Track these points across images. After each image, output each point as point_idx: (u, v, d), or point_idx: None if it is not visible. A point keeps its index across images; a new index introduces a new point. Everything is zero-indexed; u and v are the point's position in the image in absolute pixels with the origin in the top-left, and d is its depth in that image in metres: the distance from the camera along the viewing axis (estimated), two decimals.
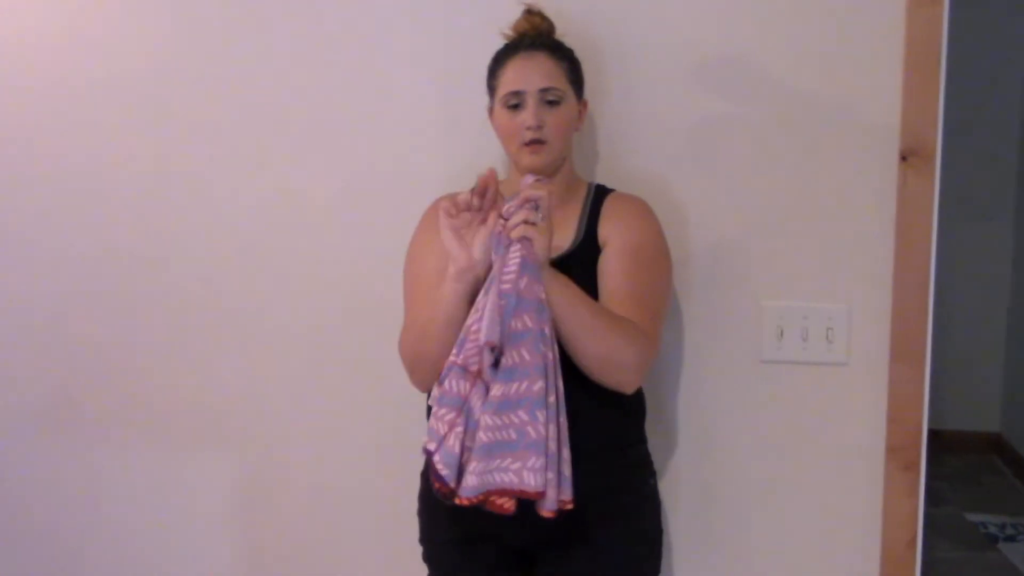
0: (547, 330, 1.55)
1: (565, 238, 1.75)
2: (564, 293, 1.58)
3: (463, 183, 1.90)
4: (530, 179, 1.59)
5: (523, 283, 1.53)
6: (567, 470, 1.54)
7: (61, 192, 2.24)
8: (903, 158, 1.91)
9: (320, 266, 2.14)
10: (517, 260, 1.53)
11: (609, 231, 1.75)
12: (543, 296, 1.54)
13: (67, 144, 2.23)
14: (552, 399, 1.54)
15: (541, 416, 1.52)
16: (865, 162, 1.93)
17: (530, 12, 1.83)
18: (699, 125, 1.97)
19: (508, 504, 1.53)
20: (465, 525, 1.72)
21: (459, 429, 1.53)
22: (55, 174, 2.24)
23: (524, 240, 1.53)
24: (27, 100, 2.23)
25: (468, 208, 1.54)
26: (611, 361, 1.63)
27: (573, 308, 1.58)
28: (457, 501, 1.52)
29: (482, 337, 1.52)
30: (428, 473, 1.78)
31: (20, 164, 2.26)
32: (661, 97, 1.98)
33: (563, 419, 1.55)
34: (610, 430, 1.73)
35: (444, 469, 1.53)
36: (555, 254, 1.67)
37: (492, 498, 1.52)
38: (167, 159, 2.18)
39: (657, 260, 1.76)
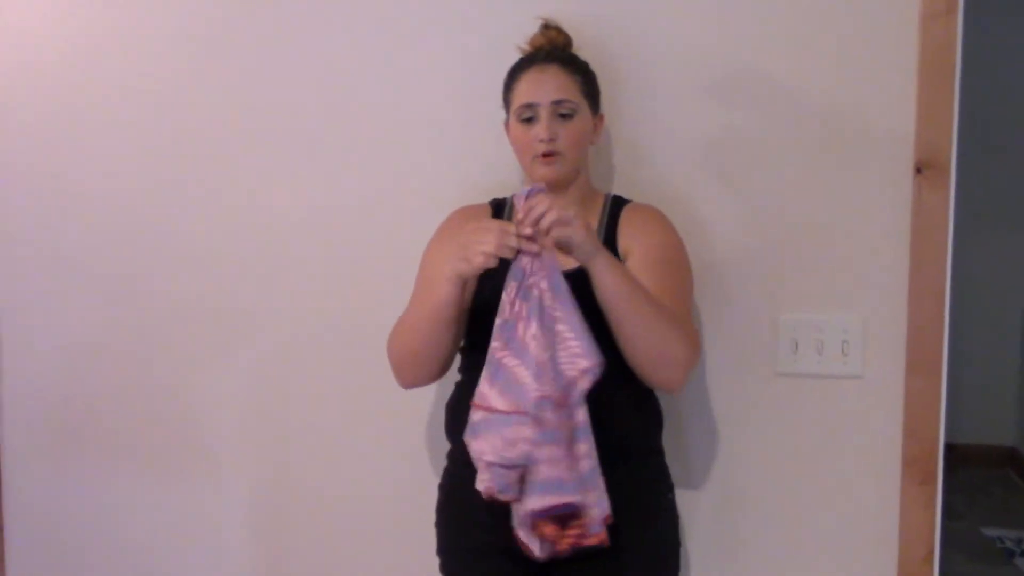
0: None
1: None
2: (623, 284, 1.58)
3: (478, 195, 1.91)
4: (523, 194, 1.57)
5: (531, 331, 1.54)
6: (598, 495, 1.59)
7: (75, 205, 2.27)
8: (918, 170, 1.90)
9: (335, 277, 2.15)
10: (564, 288, 1.55)
11: (629, 241, 1.75)
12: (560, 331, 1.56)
13: (80, 155, 2.26)
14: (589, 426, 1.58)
15: (593, 441, 1.58)
16: (880, 174, 1.93)
17: (547, 27, 1.85)
18: (714, 138, 1.97)
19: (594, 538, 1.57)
20: (483, 536, 1.72)
21: (570, 461, 1.56)
22: (68, 185, 2.27)
23: (548, 262, 1.54)
24: (33, 105, 2.27)
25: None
26: (665, 356, 1.63)
27: (631, 299, 1.58)
28: (591, 542, 1.58)
29: (587, 360, 1.54)
30: (450, 484, 1.78)
31: (29, 172, 2.29)
32: (677, 110, 1.98)
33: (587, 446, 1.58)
34: (631, 440, 1.73)
35: (577, 499, 1.57)
36: (573, 266, 1.68)
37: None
38: (182, 173, 2.21)
39: (681, 263, 1.78)
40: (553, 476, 1.54)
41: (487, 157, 2.00)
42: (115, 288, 2.26)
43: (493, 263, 1.55)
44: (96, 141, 2.25)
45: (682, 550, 1.89)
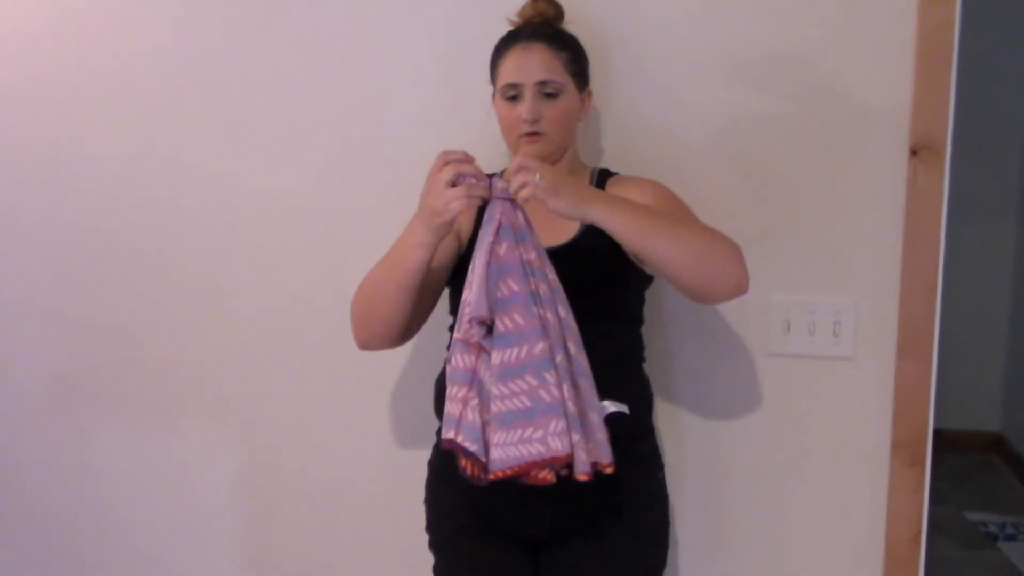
0: (542, 291, 1.52)
1: (571, 225, 1.71)
2: (635, 219, 1.54)
3: None
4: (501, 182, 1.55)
5: (503, 248, 1.52)
6: (600, 434, 1.52)
7: (62, 179, 2.24)
8: (913, 153, 1.90)
9: (320, 256, 2.14)
10: (493, 228, 1.52)
11: None
12: (529, 257, 1.52)
13: (69, 132, 2.23)
14: (560, 359, 1.51)
15: (551, 377, 1.50)
16: (875, 156, 1.93)
17: None
18: (707, 118, 1.97)
19: (548, 475, 1.50)
20: (472, 514, 1.73)
21: (475, 402, 1.52)
22: (56, 160, 2.24)
23: (506, 203, 1.51)
24: (28, 92, 2.24)
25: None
26: (713, 258, 1.58)
27: (652, 226, 1.55)
28: (492, 477, 1.50)
29: (469, 312, 1.52)
30: (439, 461, 1.78)
31: (22, 150, 2.26)
32: (668, 90, 1.98)
33: (583, 381, 1.53)
34: (622, 421, 1.73)
35: (472, 444, 1.51)
36: (561, 241, 1.67)
37: (533, 472, 1.50)
38: (169, 147, 2.19)
39: (683, 203, 1.75)
40: (448, 413, 1.54)
41: (475, 133, 1.98)
42: (107, 255, 2.24)
43: (463, 204, 1.51)
44: (80, 125, 2.23)
45: (671, 529, 1.90)
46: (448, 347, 1.78)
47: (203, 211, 2.19)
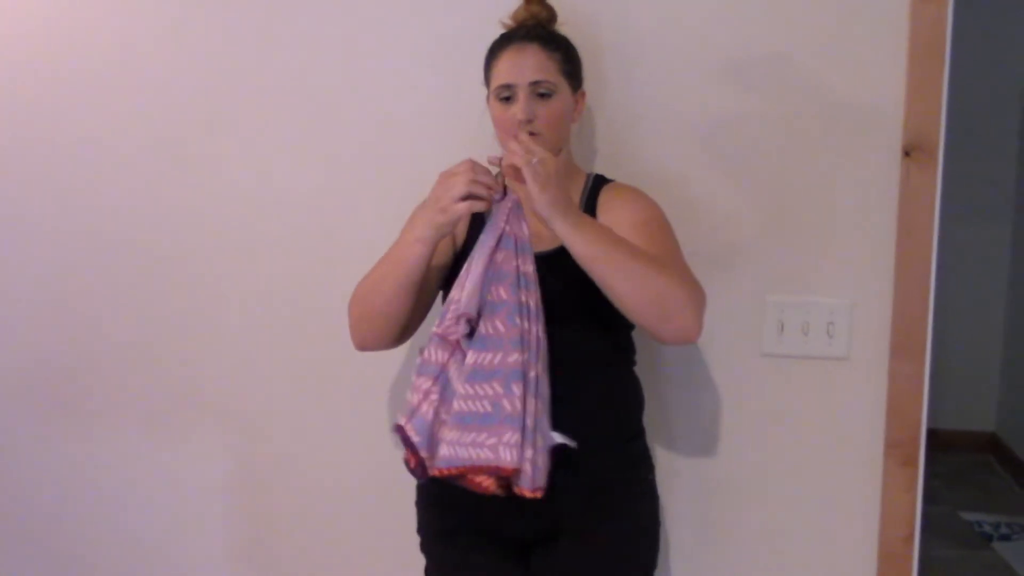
0: (532, 304, 1.54)
1: None
2: (594, 243, 1.55)
3: None
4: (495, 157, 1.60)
5: (501, 256, 1.55)
6: (542, 459, 1.54)
7: (54, 181, 2.23)
8: (906, 153, 1.91)
9: (316, 255, 2.14)
10: (496, 235, 1.55)
11: (610, 218, 1.74)
12: (526, 270, 1.55)
13: (68, 130, 2.22)
14: (533, 375, 1.53)
15: (517, 389, 1.51)
16: (868, 157, 1.93)
17: (530, 1, 1.82)
18: (700, 119, 1.97)
19: (487, 482, 1.52)
20: (462, 516, 1.73)
21: (434, 397, 1.55)
22: (54, 160, 2.23)
23: (513, 213, 1.54)
24: (26, 88, 2.23)
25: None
26: (664, 303, 1.57)
27: (607, 254, 1.56)
28: (432, 473, 1.53)
29: (460, 307, 1.54)
30: None
31: (20, 150, 2.25)
32: (662, 91, 1.98)
33: (540, 404, 1.54)
34: (611, 424, 1.73)
35: (416, 436, 1.54)
36: (553, 245, 1.67)
37: (471, 476, 1.52)
38: (167, 147, 2.18)
39: (668, 228, 1.76)
40: (407, 400, 1.58)
41: (470, 133, 1.98)
42: (97, 252, 2.24)
43: (468, 207, 1.54)
44: (79, 123, 2.22)
45: (662, 530, 1.90)
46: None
47: (198, 212, 2.18)
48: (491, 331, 1.53)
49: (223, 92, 2.15)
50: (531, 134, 1.70)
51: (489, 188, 1.56)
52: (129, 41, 2.17)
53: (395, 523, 1.95)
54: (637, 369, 1.83)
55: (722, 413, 2.03)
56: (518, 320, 1.53)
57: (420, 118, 2.07)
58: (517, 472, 1.51)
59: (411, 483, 1.83)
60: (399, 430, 1.57)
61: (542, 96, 1.72)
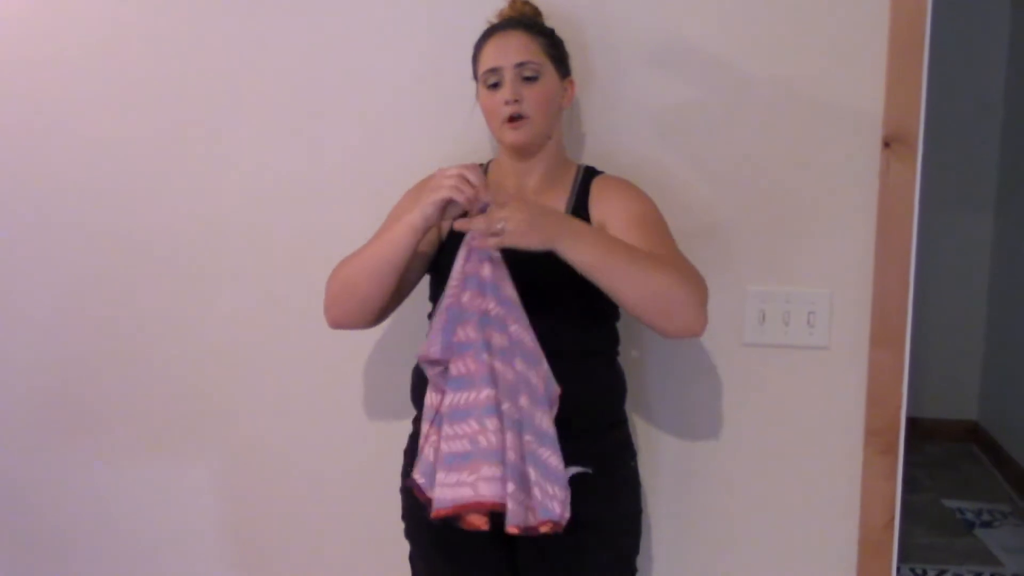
0: (496, 342, 1.57)
1: None
2: (591, 251, 1.57)
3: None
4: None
5: (466, 297, 1.58)
6: (539, 491, 1.55)
7: (60, 191, 2.23)
8: (886, 144, 1.92)
9: (305, 250, 2.14)
10: (459, 274, 1.59)
11: (603, 214, 1.75)
12: (487, 307, 1.58)
13: (62, 144, 2.22)
14: (508, 408, 1.56)
15: (491, 424, 1.55)
16: (848, 148, 1.94)
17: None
18: (682, 112, 1.98)
19: (479, 521, 1.56)
20: None
21: (433, 439, 1.59)
22: (51, 172, 2.23)
23: (474, 251, 1.58)
24: (22, 93, 2.22)
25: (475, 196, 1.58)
26: (667, 302, 1.59)
27: (605, 260, 1.57)
28: (434, 515, 1.57)
29: (422, 351, 1.59)
30: (412, 455, 1.80)
31: (14, 163, 2.25)
32: (647, 82, 1.99)
33: (529, 437, 1.56)
34: (592, 410, 1.74)
35: (421, 479, 1.59)
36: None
37: (465, 516, 1.56)
38: (159, 159, 2.19)
39: (662, 221, 1.77)
40: (419, 448, 1.65)
41: (458, 131, 2.00)
42: (86, 266, 2.24)
43: (448, 195, 1.57)
44: (68, 120, 2.22)
45: (644, 517, 1.91)
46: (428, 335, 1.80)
47: (179, 222, 2.19)
48: (463, 370, 1.58)
49: (205, 97, 2.15)
50: (520, 117, 1.72)
51: (470, 200, 1.57)
52: (128, 41, 2.17)
53: (380, 510, 1.95)
54: (620, 359, 1.84)
55: (704, 402, 2.05)
56: (485, 357, 1.56)
57: (413, 117, 2.07)
58: (502, 507, 1.54)
59: (396, 470, 1.85)
60: (410, 482, 1.63)
61: (528, 79, 1.73)
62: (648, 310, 1.60)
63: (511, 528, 1.54)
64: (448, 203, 1.60)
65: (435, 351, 1.58)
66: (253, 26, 2.11)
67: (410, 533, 1.83)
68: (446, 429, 1.57)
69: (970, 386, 4.77)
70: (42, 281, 2.27)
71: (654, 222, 1.75)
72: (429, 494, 1.58)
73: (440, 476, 1.57)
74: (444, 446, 1.57)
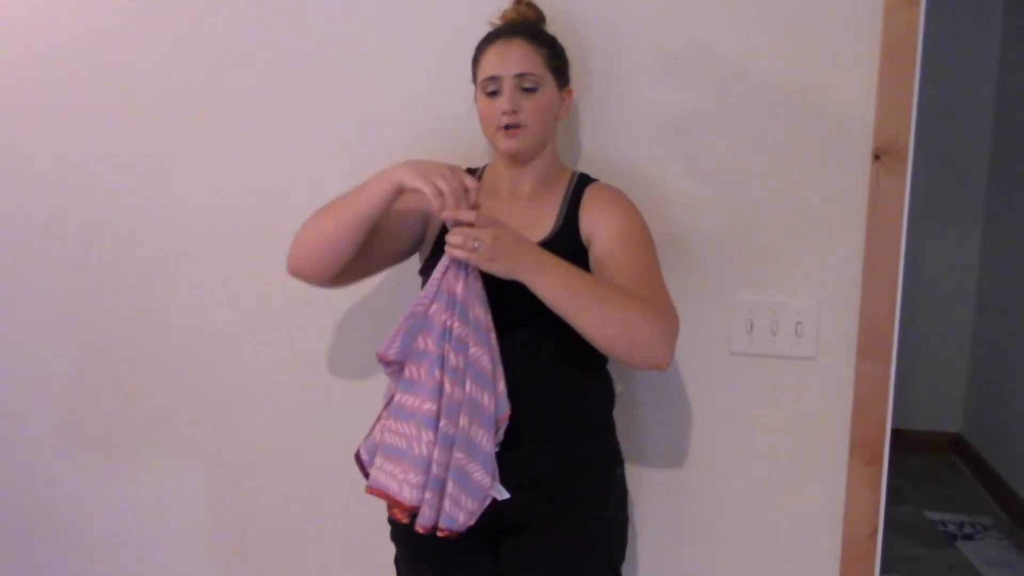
0: (452, 361, 1.59)
1: (544, 225, 1.75)
2: (554, 287, 1.58)
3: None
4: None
5: (433, 308, 1.61)
6: (449, 502, 1.59)
7: (66, 197, 2.23)
8: (876, 156, 1.93)
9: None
10: (435, 284, 1.61)
11: (592, 225, 1.75)
12: (452, 324, 1.59)
13: (65, 149, 2.22)
14: (444, 426, 1.58)
15: (427, 436, 1.59)
16: (838, 159, 1.95)
17: (519, 1, 1.84)
18: (676, 120, 1.99)
19: (399, 514, 1.62)
20: None
21: (383, 423, 1.66)
22: (55, 176, 2.23)
23: (453, 264, 1.59)
24: (25, 97, 2.22)
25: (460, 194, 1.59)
26: (631, 339, 1.60)
27: (568, 298, 1.58)
28: (367, 491, 1.66)
29: (380, 347, 1.63)
30: None
31: (16, 171, 2.25)
32: (641, 89, 1.99)
33: (460, 454, 1.59)
34: (577, 418, 1.74)
35: (365, 454, 1.69)
36: (534, 241, 1.68)
37: (392, 505, 1.63)
38: (164, 167, 2.18)
39: (648, 241, 1.77)
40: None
41: (457, 133, 1.99)
42: (80, 278, 2.24)
43: (425, 188, 1.58)
44: (78, 143, 2.21)
45: (630, 525, 1.91)
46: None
47: (179, 226, 2.19)
48: (414, 376, 1.62)
49: (205, 102, 2.14)
50: (516, 126, 1.72)
51: (438, 209, 1.58)
52: (125, 41, 2.17)
53: (365, 513, 1.95)
54: (608, 366, 1.84)
55: (691, 410, 2.05)
56: (436, 372, 1.59)
57: (412, 116, 2.07)
58: (415, 510, 1.60)
59: None
60: (357, 456, 1.71)
61: (527, 90, 1.73)
62: (612, 348, 1.62)
63: (419, 527, 1.59)
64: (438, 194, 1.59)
65: (393, 352, 1.62)
66: (256, 25, 2.11)
67: (396, 536, 1.82)
68: (391, 422, 1.63)
69: (954, 399, 4.79)
70: (42, 286, 2.26)
71: (639, 242, 1.75)
72: (368, 470, 1.67)
73: (378, 460, 1.65)
74: (386, 436, 1.64)
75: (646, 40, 1.98)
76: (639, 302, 1.62)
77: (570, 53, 1.85)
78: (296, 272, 1.77)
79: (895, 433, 2.05)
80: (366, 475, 1.68)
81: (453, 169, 1.62)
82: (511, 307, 1.62)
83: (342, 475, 2.15)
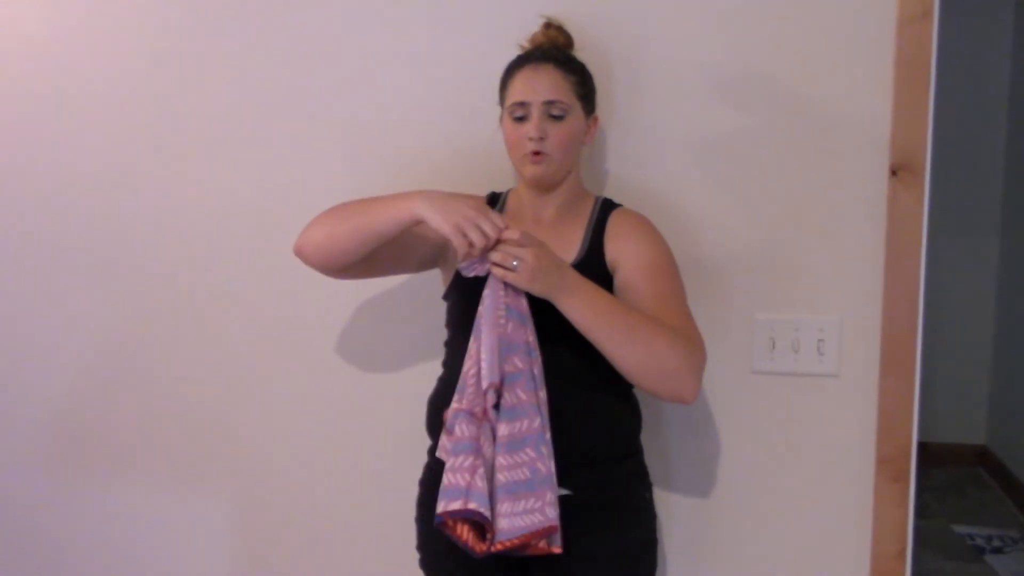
0: (536, 371, 1.60)
1: (569, 251, 1.76)
2: (586, 312, 1.60)
3: (471, 190, 1.92)
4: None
5: (510, 327, 1.60)
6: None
7: (72, 214, 2.25)
8: (893, 172, 1.93)
9: (324, 286, 2.11)
10: (504, 306, 1.60)
11: (618, 252, 1.76)
12: (530, 339, 1.61)
13: (68, 161, 2.24)
14: (549, 436, 1.59)
15: (545, 451, 1.57)
16: (856, 176, 1.95)
17: (549, 25, 1.85)
18: (694, 140, 1.99)
19: (545, 545, 1.58)
20: None
21: (481, 470, 1.57)
22: (63, 192, 2.26)
23: (493, 283, 1.60)
24: (27, 105, 2.25)
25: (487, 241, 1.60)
26: (660, 371, 1.62)
27: (600, 324, 1.60)
28: (498, 547, 1.56)
29: (484, 380, 1.57)
30: (430, 479, 1.80)
31: (19, 181, 2.27)
32: (661, 112, 2.00)
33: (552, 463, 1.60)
34: (607, 442, 1.74)
35: (485, 510, 1.55)
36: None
37: (532, 543, 1.57)
38: (172, 180, 2.21)
39: (672, 271, 1.78)
40: (450, 483, 1.57)
41: (482, 154, 2.01)
42: (100, 292, 2.26)
43: (458, 240, 1.59)
44: (81, 154, 2.24)
45: (659, 548, 1.91)
46: (444, 363, 1.80)
47: (197, 240, 2.21)
48: (516, 400, 1.59)
49: (221, 109, 2.17)
50: (539, 153, 1.73)
51: (470, 247, 1.59)
52: (122, 52, 2.20)
53: (395, 540, 1.96)
54: (635, 390, 1.84)
55: (715, 431, 2.05)
56: (532, 386, 1.59)
57: (433, 138, 2.09)
58: (557, 529, 1.57)
59: (411, 500, 1.85)
60: (458, 512, 1.56)
61: (555, 118, 1.74)
62: (639, 376, 1.63)
63: (555, 548, 1.58)
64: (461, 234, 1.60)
65: (497, 377, 1.58)
66: (271, 41, 2.13)
67: (426, 563, 1.82)
68: (505, 459, 1.57)
69: (978, 410, 4.76)
70: (57, 308, 2.28)
71: (665, 271, 1.76)
72: (497, 524, 1.56)
73: (505, 506, 1.56)
74: (506, 476, 1.57)
75: (668, 65, 1.99)
76: (669, 333, 1.63)
77: (597, 77, 1.86)
78: (299, 255, 1.79)
79: (919, 446, 2.03)
80: (478, 537, 1.58)
81: (479, 209, 1.62)
82: (541, 328, 1.63)
83: (369, 501, 2.17)
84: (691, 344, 1.65)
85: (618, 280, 1.74)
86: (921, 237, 1.94)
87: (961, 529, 3.96)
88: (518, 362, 1.60)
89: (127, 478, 2.29)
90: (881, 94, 1.93)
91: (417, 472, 1.85)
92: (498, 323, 1.59)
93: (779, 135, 1.97)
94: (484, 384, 1.57)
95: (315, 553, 2.23)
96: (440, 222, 1.61)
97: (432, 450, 1.81)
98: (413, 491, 1.86)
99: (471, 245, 1.59)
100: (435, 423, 1.76)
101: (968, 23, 4.40)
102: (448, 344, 1.81)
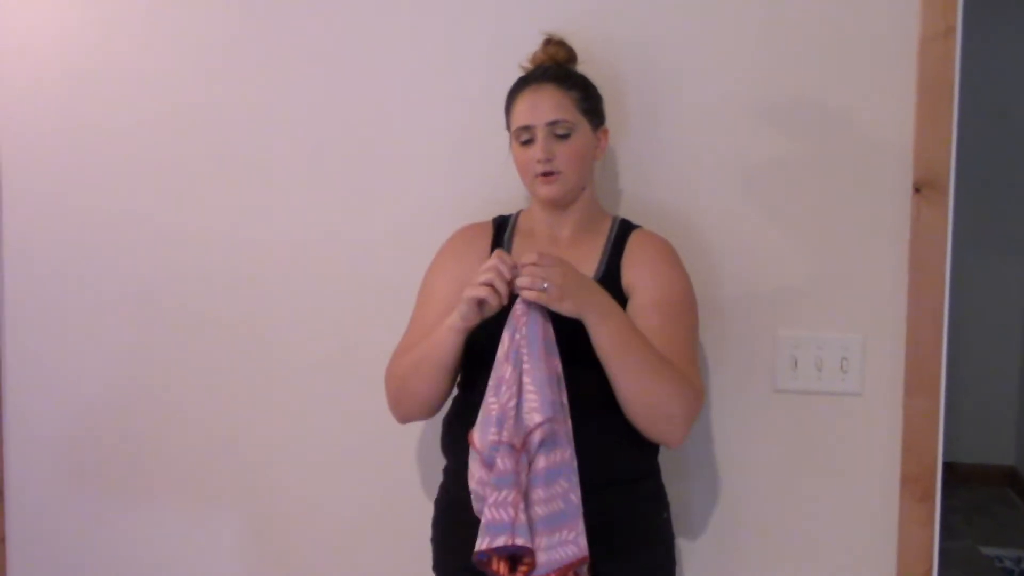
0: (564, 400, 1.59)
1: (586, 271, 1.73)
2: (610, 336, 1.60)
3: (477, 216, 1.92)
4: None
5: (549, 361, 1.58)
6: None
7: (91, 236, 2.27)
8: (917, 190, 1.91)
9: (329, 294, 2.16)
10: (541, 338, 1.58)
11: (636, 277, 1.75)
12: (559, 368, 1.59)
13: (94, 188, 2.26)
14: (577, 465, 1.58)
15: (575, 480, 1.57)
16: (879, 193, 1.94)
17: (549, 42, 1.84)
18: (716, 157, 1.99)
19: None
20: None
21: (522, 505, 1.55)
22: (83, 217, 2.27)
23: (535, 309, 1.58)
24: (42, 127, 2.27)
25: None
26: (659, 411, 1.63)
27: (620, 352, 1.60)
28: None
29: (539, 415, 1.54)
30: (446, 500, 1.79)
31: (36, 206, 2.30)
32: (680, 130, 2.00)
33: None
34: (623, 463, 1.73)
35: (530, 544, 1.53)
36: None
37: (569, 573, 1.55)
38: (188, 205, 2.22)
39: (687, 308, 1.77)
40: (494, 519, 1.53)
41: (489, 174, 2.01)
42: (116, 322, 2.27)
43: (492, 308, 1.59)
44: (105, 181, 2.26)
45: (678, 569, 1.89)
46: (459, 384, 1.80)
47: (209, 258, 2.21)
48: (553, 432, 1.57)
49: (237, 147, 2.18)
50: (552, 172, 1.72)
51: (498, 294, 1.58)
52: (153, 70, 2.22)
53: (411, 560, 1.94)
54: None
55: (737, 450, 2.03)
56: (563, 415, 1.58)
57: (438, 158, 2.09)
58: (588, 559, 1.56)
59: (426, 520, 1.84)
60: (503, 548, 1.53)
61: (561, 137, 1.74)
62: (638, 412, 1.64)
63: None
64: (482, 302, 1.59)
65: (551, 413, 1.55)
66: (298, 84, 2.15)
67: None
68: (543, 492, 1.55)
69: (1006, 430, 4.71)
70: (72, 332, 2.30)
71: (679, 308, 1.75)
72: (538, 556, 1.54)
73: (543, 540, 1.54)
74: (544, 508, 1.55)
75: (681, 81, 1.99)
76: (681, 379, 1.64)
77: (605, 93, 1.85)
78: (406, 422, 1.84)
79: (946, 467, 2.01)
80: (531, 564, 1.55)
81: (480, 269, 1.60)
82: (561, 349, 1.62)
83: (383, 522, 2.17)
84: (695, 393, 1.67)
85: (631, 307, 1.72)
86: (945, 254, 1.92)
87: (989, 551, 3.91)
88: (556, 394, 1.59)
89: (142, 499, 2.29)
90: (904, 111, 1.92)
91: (431, 492, 1.85)
92: (544, 355, 1.58)
93: (801, 152, 1.96)
94: (539, 418, 1.54)
95: (328, 573, 2.22)
96: (465, 310, 1.61)
97: (447, 470, 1.80)
98: (427, 510, 1.85)
99: (498, 294, 1.57)
100: (449, 442, 1.76)
101: (991, 39, 4.38)
102: (464, 367, 1.77)
